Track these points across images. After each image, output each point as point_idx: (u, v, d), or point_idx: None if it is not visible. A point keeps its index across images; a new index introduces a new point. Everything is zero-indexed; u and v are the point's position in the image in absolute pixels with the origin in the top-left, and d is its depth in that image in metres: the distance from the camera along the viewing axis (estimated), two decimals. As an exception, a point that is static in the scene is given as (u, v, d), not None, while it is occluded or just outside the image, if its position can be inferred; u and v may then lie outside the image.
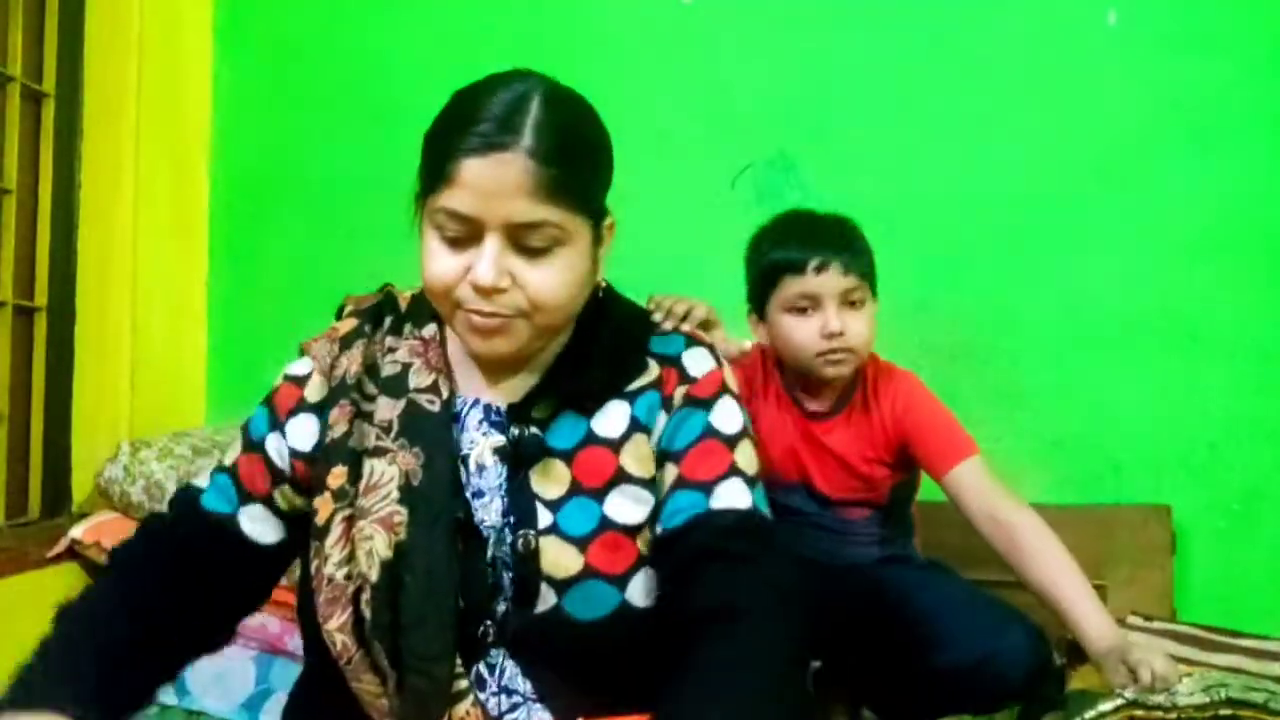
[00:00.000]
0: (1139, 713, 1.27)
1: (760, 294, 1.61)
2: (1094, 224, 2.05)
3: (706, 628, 0.95)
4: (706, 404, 1.07)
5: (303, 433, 1.08)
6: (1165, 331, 2.01)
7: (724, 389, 1.09)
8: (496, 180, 0.94)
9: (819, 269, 1.53)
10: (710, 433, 1.06)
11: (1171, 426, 2.00)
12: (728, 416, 1.08)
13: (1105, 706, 1.28)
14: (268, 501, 1.08)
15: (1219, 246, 2.00)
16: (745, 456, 1.07)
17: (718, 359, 1.12)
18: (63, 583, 1.93)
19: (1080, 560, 1.93)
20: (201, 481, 1.11)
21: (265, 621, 1.82)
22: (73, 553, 1.96)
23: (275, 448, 1.09)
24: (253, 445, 1.10)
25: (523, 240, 0.97)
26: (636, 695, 0.98)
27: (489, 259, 0.96)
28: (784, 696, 0.93)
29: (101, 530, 1.96)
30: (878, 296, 1.59)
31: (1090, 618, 1.37)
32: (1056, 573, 1.42)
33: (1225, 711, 1.25)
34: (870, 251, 1.58)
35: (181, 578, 1.04)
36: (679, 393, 1.07)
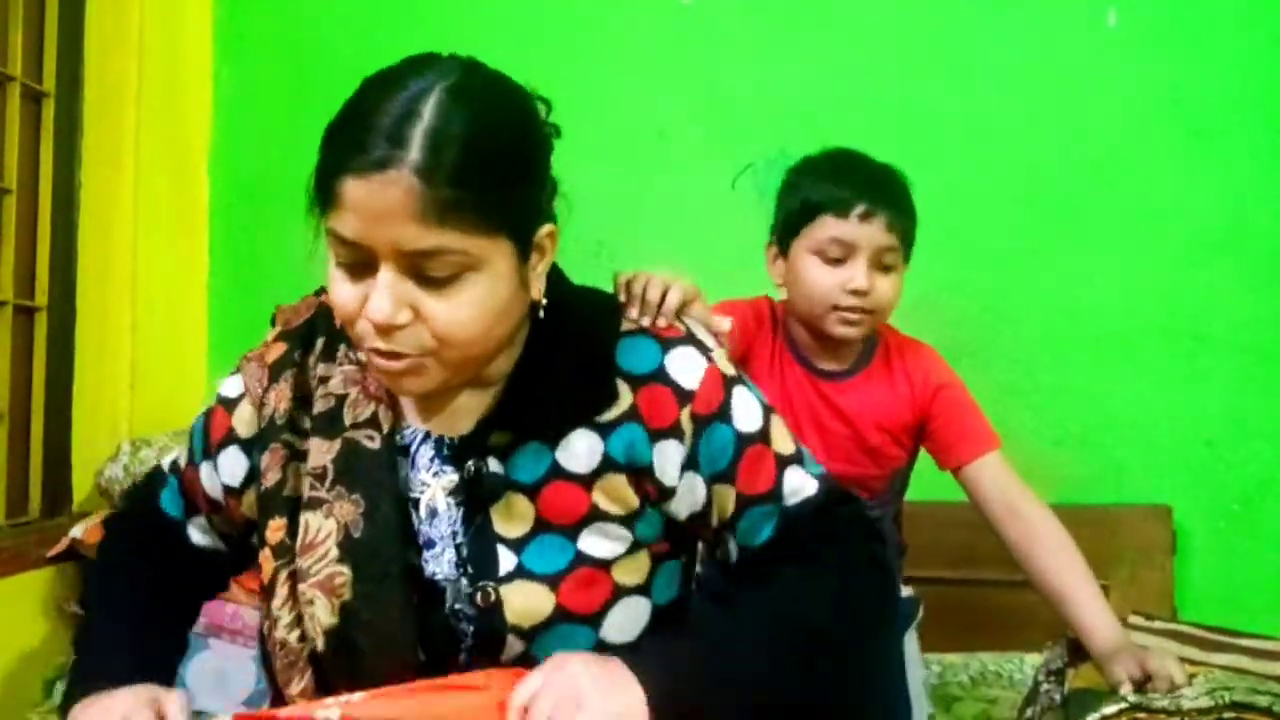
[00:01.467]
0: (1141, 715, 1.26)
1: (790, 227, 1.48)
2: (1094, 224, 2.05)
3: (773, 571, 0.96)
4: (720, 414, 0.95)
5: (230, 468, 1.01)
6: (1166, 332, 2.01)
7: (726, 384, 0.96)
8: (381, 204, 0.80)
9: (864, 216, 1.41)
10: (744, 440, 0.96)
11: (1172, 427, 2.00)
12: (747, 414, 0.97)
13: (1109, 710, 1.27)
14: (209, 518, 1.07)
15: (1219, 246, 2.00)
16: (781, 437, 0.99)
17: (704, 349, 0.98)
18: (62, 582, 1.93)
19: (1081, 560, 1.93)
20: (166, 464, 1.11)
21: (265, 621, 1.83)
22: (73, 552, 1.96)
23: (207, 476, 1.04)
24: (191, 463, 1.06)
25: (422, 269, 0.83)
26: None
27: (383, 292, 0.82)
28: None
29: (101, 530, 1.96)
30: (908, 264, 1.49)
31: (1099, 617, 1.36)
32: (1069, 571, 1.39)
33: (1229, 715, 1.25)
34: (915, 215, 1.48)
35: (157, 566, 1.06)
36: (684, 415, 0.94)
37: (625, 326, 0.98)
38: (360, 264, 0.85)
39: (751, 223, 1.68)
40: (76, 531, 1.96)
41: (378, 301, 0.83)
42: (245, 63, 2.41)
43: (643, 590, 0.96)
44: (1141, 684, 1.26)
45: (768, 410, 0.99)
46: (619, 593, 0.94)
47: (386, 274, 0.83)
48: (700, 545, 1.06)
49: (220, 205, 2.42)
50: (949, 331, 2.08)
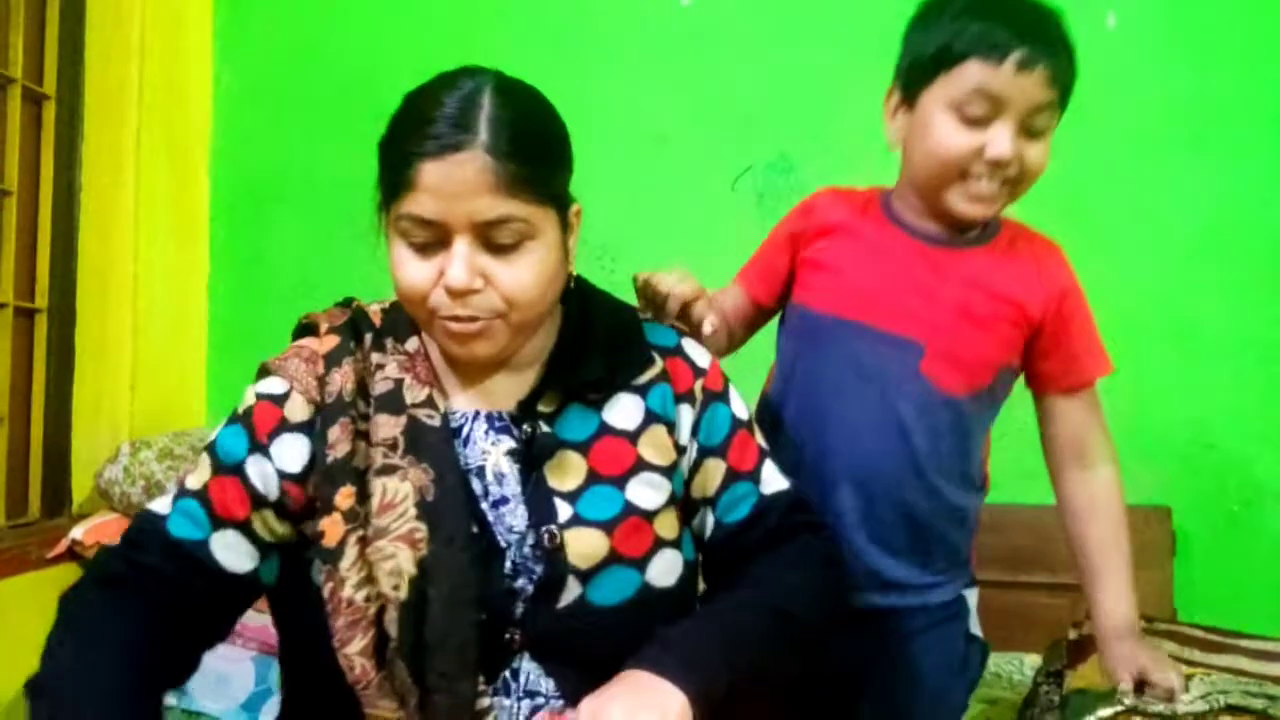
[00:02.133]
0: (1137, 719, 1.26)
1: (921, 73, 1.22)
2: (1094, 225, 2.05)
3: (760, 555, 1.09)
4: (723, 395, 1.12)
5: (292, 454, 1.02)
6: (1166, 332, 2.01)
7: (725, 376, 1.14)
8: (456, 181, 0.93)
9: (1022, 65, 1.14)
10: (737, 424, 1.11)
11: (1172, 428, 2.00)
12: (739, 404, 1.13)
13: (1104, 712, 1.27)
14: (243, 527, 1.01)
15: (1219, 248, 2.01)
16: (759, 438, 1.14)
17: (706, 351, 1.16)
18: (62, 584, 1.92)
19: (1081, 560, 1.92)
20: (161, 508, 1.03)
21: (265, 623, 1.82)
22: (73, 553, 1.96)
23: (258, 470, 1.01)
24: (226, 468, 1.02)
25: (491, 238, 0.96)
26: None
27: (460, 261, 0.95)
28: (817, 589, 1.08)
29: (101, 531, 1.96)
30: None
31: (1118, 602, 1.28)
32: (1108, 545, 1.29)
33: (1225, 718, 1.25)
34: (1076, 69, 1.21)
35: (142, 620, 0.97)
36: (697, 386, 1.10)
37: (645, 316, 1.16)
38: (433, 242, 0.96)
39: (752, 224, 1.68)
40: (76, 533, 1.97)
41: (456, 270, 0.95)
42: (245, 64, 2.41)
43: (676, 545, 1.07)
44: (1139, 687, 1.24)
45: (750, 413, 1.15)
46: (659, 543, 1.05)
47: (461, 245, 0.95)
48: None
49: (221, 207, 2.42)
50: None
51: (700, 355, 1.13)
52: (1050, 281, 1.28)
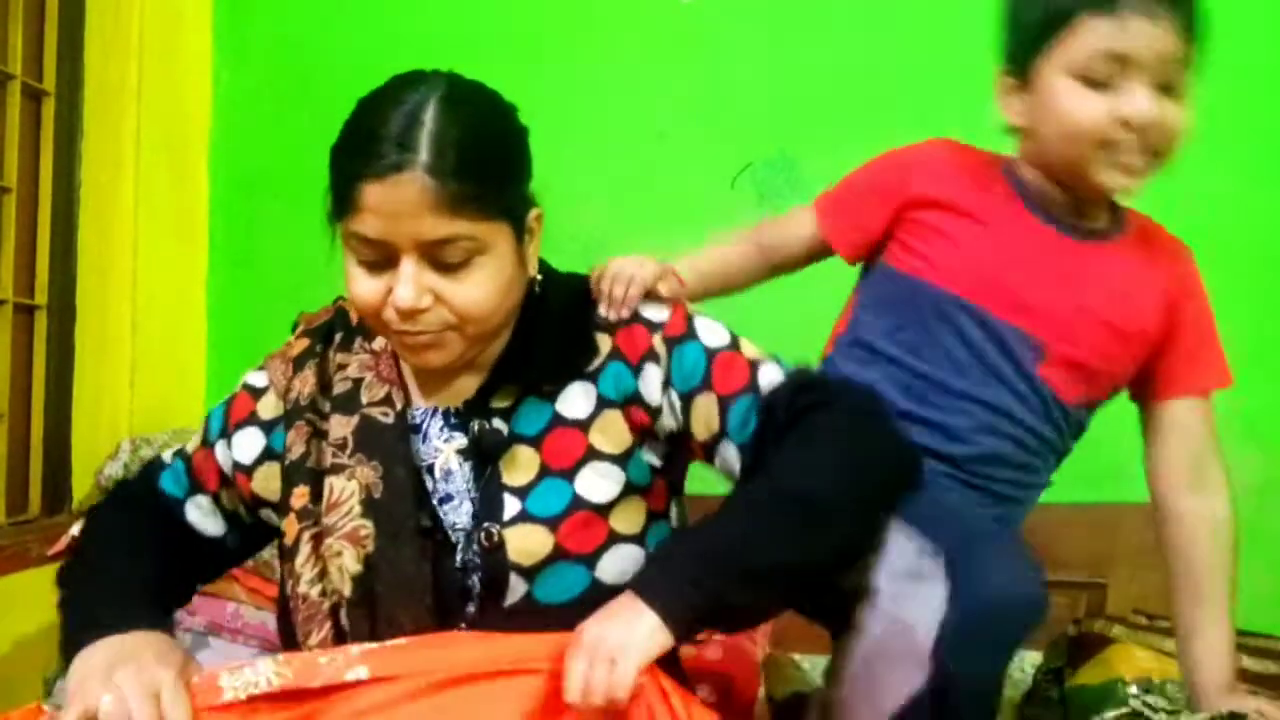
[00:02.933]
0: None
1: (1031, 43, 1.12)
2: (1094, 224, 2.05)
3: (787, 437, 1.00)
4: (688, 335, 1.06)
5: (246, 446, 1.11)
6: (1165, 331, 2.01)
7: (690, 314, 1.08)
8: (399, 202, 0.92)
9: (1143, 13, 1.02)
10: (713, 352, 1.05)
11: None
12: (713, 332, 1.07)
13: (1110, 714, 1.28)
14: (215, 497, 1.13)
15: (1217, 247, 1.99)
16: (751, 348, 1.08)
17: (671, 303, 1.10)
18: (63, 581, 1.93)
19: (1081, 560, 1.93)
20: (167, 457, 1.17)
21: (266, 619, 1.83)
22: (73, 550, 1.96)
23: (221, 454, 1.12)
24: (207, 442, 1.14)
25: (438, 257, 0.95)
26: None
27: (407, 281, 0.94)
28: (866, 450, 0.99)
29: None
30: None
31: (1230, 641, 1.21)
32: (1226, 579, 1.22)
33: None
34: (1203, 18, 1.08)
35: (151, 537, 1.10)
36: (656, 340, 1.05)
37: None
38: (380, 260, 0.96)
39: (751, 222, 1.68)
40: (76, 530, 1.95)
41: (403, 290, 0.94)
42: (245, 63, 2.41)
43: (637, 540, 1.04)
44: None
45: (734, 333, 1.09)
46: (614, 538, 1.03)
47: (408, 265, 0.95)
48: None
49: (220, 204, 2.42)
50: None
51: (656, 311, 1.08)
52: (1180, 283, 1.19)
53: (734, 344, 1.07)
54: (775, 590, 0.96)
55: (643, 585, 0.91)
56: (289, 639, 1.05)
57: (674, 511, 1.12)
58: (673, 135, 2.20)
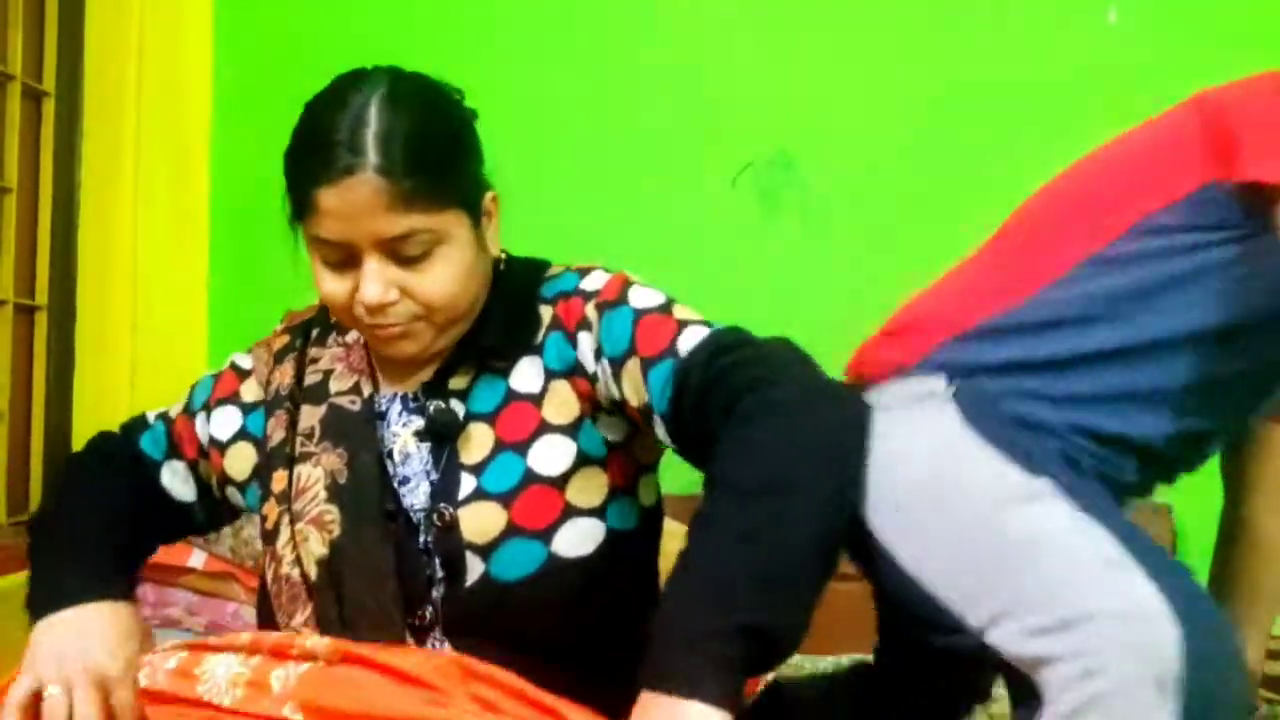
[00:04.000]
0: None
1: None
2: (1094, 223, 2.05)
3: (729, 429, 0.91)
4: (620, 299, 1.03)
5: (224, 423, 1.14)
6: (1165, 330, 2.01)
7: (628, 281, 1.05)
8: (351, 204, 0.95)
9: None
10: (640, 313, 1.01)
11: (1172, 425, 2.00)
12: (647, 296, 1.03)
13: None
14: (192, 465, 1.15)
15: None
16: (686, 311, 1.02)
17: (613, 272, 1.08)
18: (63, 581, 1.94)
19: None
20: (150, 417, 1.18)
21: (266, 620, 1.83)
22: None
23: (200, 426, 1.15)
24: (190, 411, 1.16)
25: (399, 251, 0.97)
26: (574, 661, 0.97)
27: (371, 279, 0.97)
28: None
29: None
30: None
31: (1264, 649, 1.20)
32: (1276, 604, 1.19)
33: None
34: None
35: (126, 498, 1.12)
36: (589, 308, 1.03)
37: (552, 272, 1.10)
38: (344, 259, 0.99)
39: (751, 221, 1.68)
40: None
41: (368, 288, 0.97)
42: (245, 63, 2.41)
43: (597, 513, 1.03)
44: None
45: (672, 298, 1.04)
46: (570, 511, 1.01)
47: (371, 262, 0.97)
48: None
49: (220, 204, 2.42)
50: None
51: (596, 279, 1.06)
52: None
53: (665, 307, 1.02)
54: (793, 591, 0.84)
55: (660, 679, 0.80)
56: (267, 620, 1.08)
57: (644, 491, 1.09)
58: (673, 134, 2.20)
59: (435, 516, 1.00)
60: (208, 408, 1.15)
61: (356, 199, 0.94)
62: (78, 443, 2.10)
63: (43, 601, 1.00)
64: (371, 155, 0.94)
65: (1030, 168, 2.07)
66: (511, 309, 1.07)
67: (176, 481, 1.15)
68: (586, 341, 1.03)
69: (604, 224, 2.08)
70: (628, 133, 2.21)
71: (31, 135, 2.05)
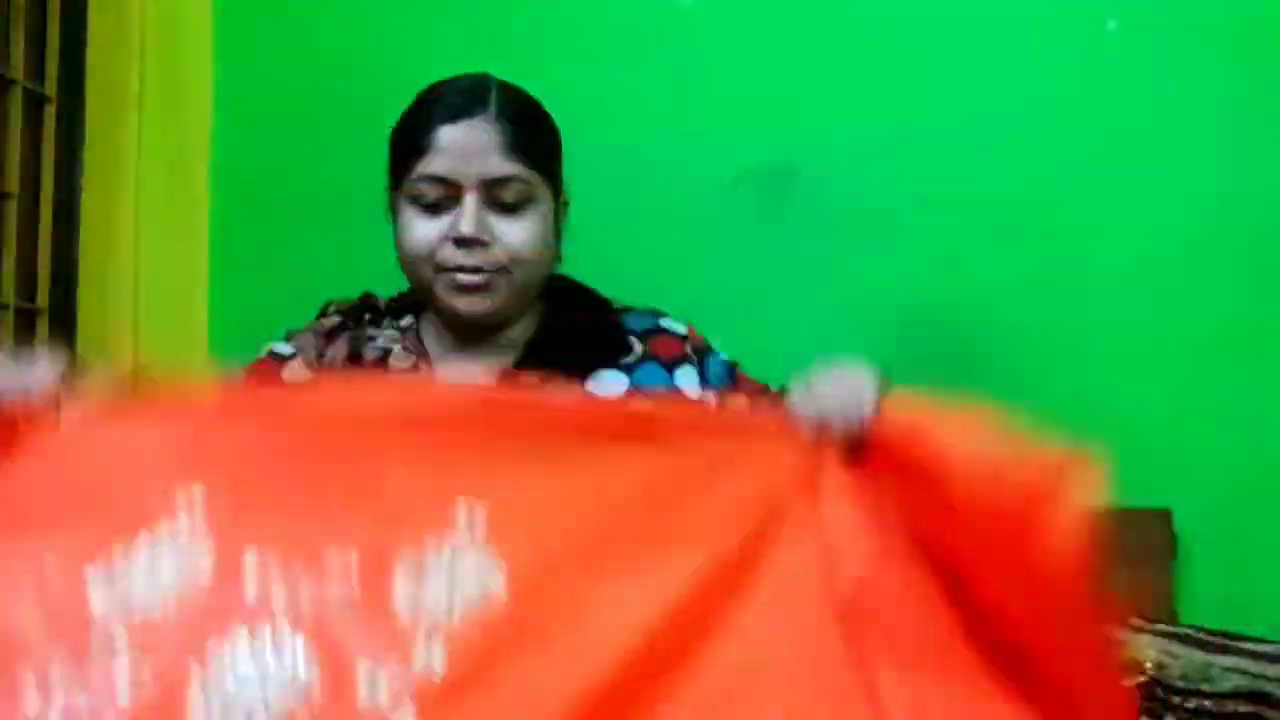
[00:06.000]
0: (1158, 690, 1.30)
1: None
2: (1094, 228, 2.05)
3: None
4: (709, 349, 1.23)
5: None
6: (1166, 334, 2.01)
7: (704, 337, 1.25)
8: (471, 140, 1.08)
9: None
10: (731, 364, 1.23)
11: (1172, 429, 1.99)
12: (724, 356, 1.24)
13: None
14: None
15: (1219, 251, 2.01)
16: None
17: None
18: (63, 585, 1.93)
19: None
20: None
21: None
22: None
23: None
24: None
25: (497, 196, 1.09)
26: None
27: (470, 214, 1.07)
28: None
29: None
30: None
31: None
32: None
33: (1245, 708, 1.27)
34: None
35: None
36: (687, 347, 1.21)
37: (619, 304, 1.25)
38: (443, 200, 1.09)
39: (751, 226, 1.68)
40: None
41: (466, 221, 1.07)
42: (246, 65, 2.41)
43: None
44: None
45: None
46: None
47: (471, 200, 1.08)
48: None
49: (221, 210, 2.41)
50: (948, 335, 2.08)
51: (676, 325, 1.24)
52: None
53: (740, 365, 1.25)
54: None
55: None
56: None
57: None
58: (673, 137, 2.20)
59: None
60: None
61: (474, 136, 1.07)
62: (78, 447, 2.11)
63: None
64: (492, 105, 1.09)
65: (1030, 173, 2.08)
66: (595, 322, 1.20)
67: None
68: (689, 373, 1.19)
69: (605, 227, 2.07)
70: (626, 137, 2.21)
71: (33, 140, 2.05)
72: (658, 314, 1.25)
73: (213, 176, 2.42)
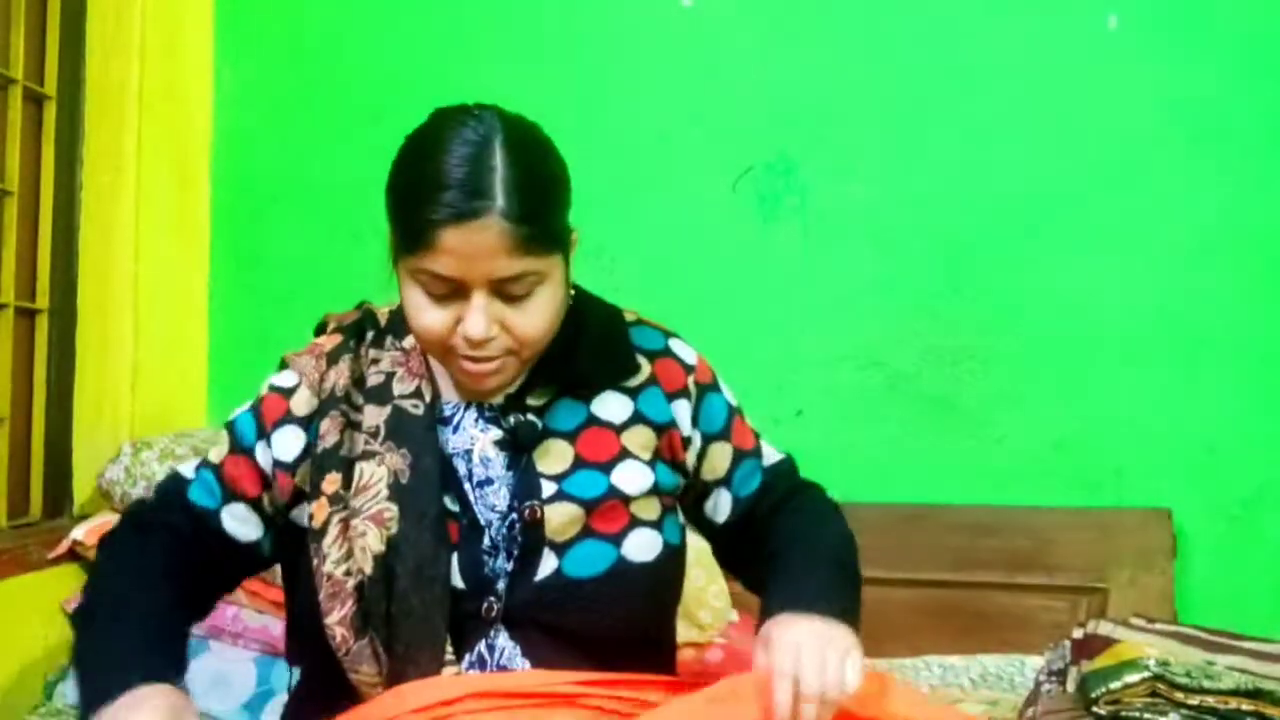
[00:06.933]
0: (1162, 686, 1.32)
1: None
2: (1094, 227, 2.05)
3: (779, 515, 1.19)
4: (714, 386, 1.21)
5: (287, 445, 1.12)
6: (1165, 334, 2.01)
7: (714, 370, 1.22)
8: (476, 245, 0.99)
9: None
10: (732, 410, 1.21)
11: (1172, 430, 2.00)
12: (729, 393, 1.22)
13: (1131, 678, 1.34)
14: (253, 503, 1.13)
15: (1219, 250, 2.01)
16: (749, 421, 1.24)
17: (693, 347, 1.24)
18: (64, 584, 1.93)
19: (1081, 563, 1.94)
20: (187, 472, 1.16)
21: (267, 623, 1.82)
22: (74, 554, 1.96)
23: (262, 456, 1.13)
24: (241, 449, 1.14)
25: (506, 290, 1.02)
26: (630, 660, 1.07)
27: (479, 313, 1.01)
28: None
29: (103, 531, 1.96)
30: None
31: None
32: None
33: (1247, 706, 1.27)
34: None
35: (171, 558, 1.10)
36: (689, 381, 1.18)
37: (631, 318, 1.21)
38: (448, 293, 1.03)
39: (752, 225, 1.68)
40: (78, 533, 1.97)
41: (475, 323, 1.01)
42: (246, 64, 2.41)
43: (655, 525, 1.13)
44: None
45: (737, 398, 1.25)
46: (635, 522, 1.11)
47: (480, 299, 1.02)
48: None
49: (221, 207, 2.42)
50: (949, 335, 2.08)
51: (687, 353, 1.20)
52: None
53: (740, 410, 1.23)
54: (858, 595, 1.10)
55: (806, 605, 1.02)
56: (303, 626, 1.09)
57: (679, 514, 1.21)
58: (673, 138, 2.20)
59: (525, 511, 1.07)
60: (264, 436, 1.13)
61: (481, 240, 0.98)
62: (79, 446, 2.11)
63: (93, 695, 0.96)
64: (499, 199, 0.98)
65: (1031, 172, 2.08)
66: (604, 341, 1.16)
67: (237, 524, 1.13)
68: (685, 408, 1.17)
69: (606, 228, 2.08)
70: (628, 136, 2.21)
71: (33, 138, 2.05)
72: (670, 334, 1.21)
73: (213, 174, 2.43)
